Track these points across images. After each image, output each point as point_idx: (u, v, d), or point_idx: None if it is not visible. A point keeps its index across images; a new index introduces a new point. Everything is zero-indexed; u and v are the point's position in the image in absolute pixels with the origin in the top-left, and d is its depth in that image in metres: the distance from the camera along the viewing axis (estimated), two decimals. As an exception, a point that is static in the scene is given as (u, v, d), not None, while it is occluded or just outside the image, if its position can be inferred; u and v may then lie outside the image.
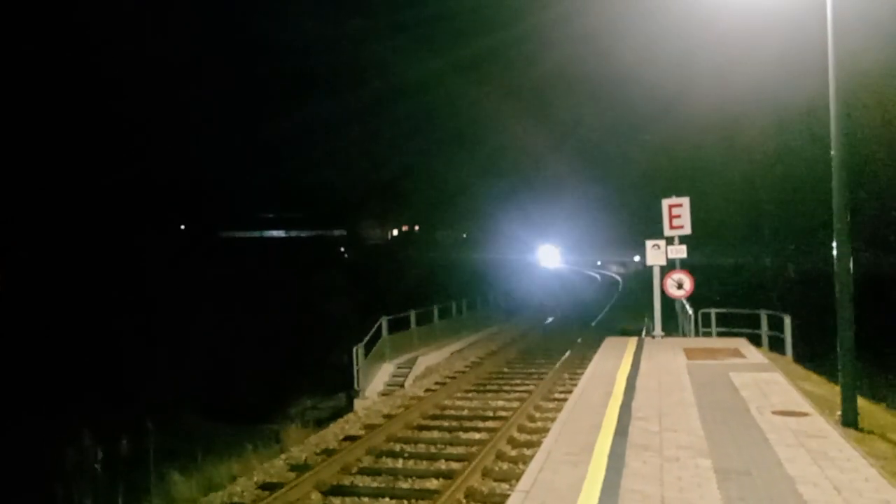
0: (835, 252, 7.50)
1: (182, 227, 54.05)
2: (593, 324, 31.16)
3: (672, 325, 20.06)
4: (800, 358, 14.62)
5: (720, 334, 16.50)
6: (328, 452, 10.31)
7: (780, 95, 20.91)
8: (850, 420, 7.46)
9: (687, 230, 15.11)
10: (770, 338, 15.47)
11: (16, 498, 9.43)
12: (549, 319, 34.02)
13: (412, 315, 19.13)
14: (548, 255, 71.50)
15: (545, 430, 8.94)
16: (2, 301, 35.48)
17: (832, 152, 7.57)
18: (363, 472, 9.51)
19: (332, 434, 11.64)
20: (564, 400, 10.55)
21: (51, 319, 27.56)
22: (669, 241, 15.24)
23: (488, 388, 15.11)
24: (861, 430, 7.36)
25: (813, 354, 15.52)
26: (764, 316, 15.81)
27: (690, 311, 18.09)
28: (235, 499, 8.57)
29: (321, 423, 13.38)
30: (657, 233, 15.43)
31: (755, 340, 15.13)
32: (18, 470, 11.20)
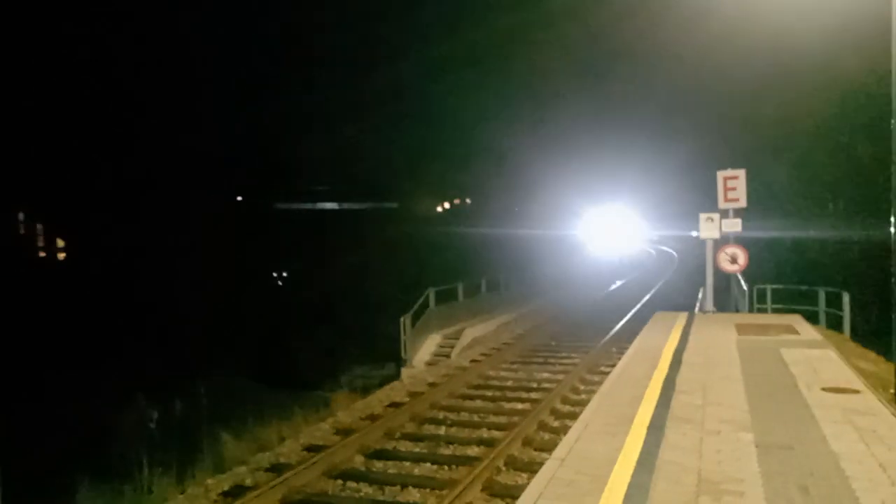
0: (892, 225, 7.21)
1: (239, 198, 55.23)
2: (647, 298, 30.72)
3: (726, 300, 19.65)
4: (859, 336, 14.17)
5: (776, 311, 16.10)
6: (372, 418, 10.53)
7: (842, 64, 19.98)
8: (903, 398, 7.22)
9: (742, 203, 14.71)
10: (829, 315, 15.03)
11: (75, 454, 9.94)
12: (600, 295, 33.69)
13: (460, 287, 19.22)
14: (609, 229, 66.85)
15: (588, 402, 8.93)
16: (69, 266, 37.12)
17: (893, 121, 7.25)
18: (406, 437, 9.68)
19: (377, 400, 11.87)
20: (609, 373, 10.50)
21: (114, 286, 28.69)
22: (724, 214, 14.88)
23: (533, 360, 15.13)
24: (915, 409, 7.11)
25: (873, 332, 15.01)
26: (822, 292, 15.34)
27: (745, 287, 17.67)
28: (282, 459, 8.84)
29: (369, 391, 13.64)
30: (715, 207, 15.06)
31: (813, 318, 14.72)
32: (77, 428, 11.77)
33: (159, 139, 42.05)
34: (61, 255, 48.55)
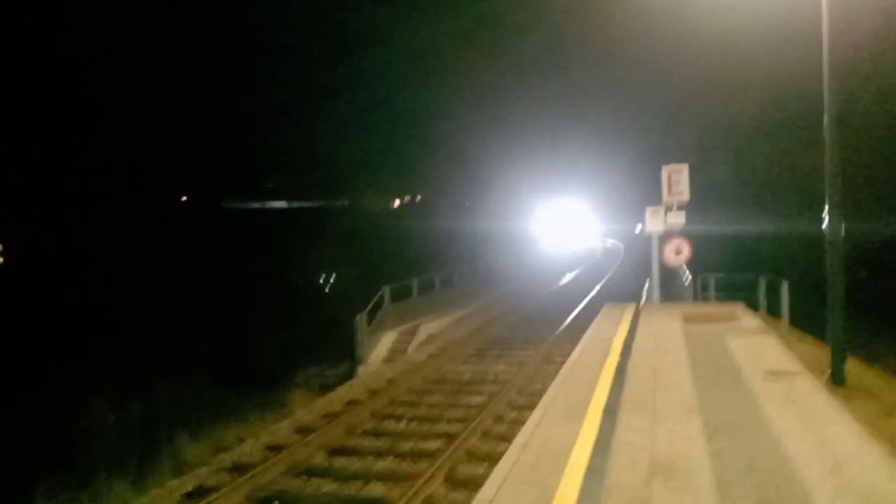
0: (825, 214, 7.66)
1: (184, 198, 54.11)
2: (597, 289, 31.39)
3: (672, 290, 20.29)
4: (799, 322, 14.83)
5: (720, 300, 16.71)
6: (332, 415, 10.60)
7: (775, 69, 20.92)
8: (838, 380, 7.69)
9: (686, 197, 15.22)
10: (769, 303, 15.66)
11: (29, 462, 9.72)
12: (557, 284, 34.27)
13: (414, 284, 19.36)
14: (560, 222, 67.26)
15: (545, 392, 9.19)
16: (3, 273, 35.85)
17: (825, 120, 7.69)
18: (367, 433, 9.79)
19: (336, 398, 11.93)
20: (563, 363, 10.79)
21: (54, 289, 27.88)
22: (668, 207, 15.38)
23: (489, 353, 15.38)
24: (849, 389, 7.59)
25: (811, 319, 15.72)
26: (762, 281, 15.98)
27: (689, 277, 18.30)
28: (244, 459, 8.85)
29: (327, 389, 13.66)
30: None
31: (755, 306, 15.34)
32: (31, 435, 11.49)
33: (108, 137, 40.93)
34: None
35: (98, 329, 23.33)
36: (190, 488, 8.00)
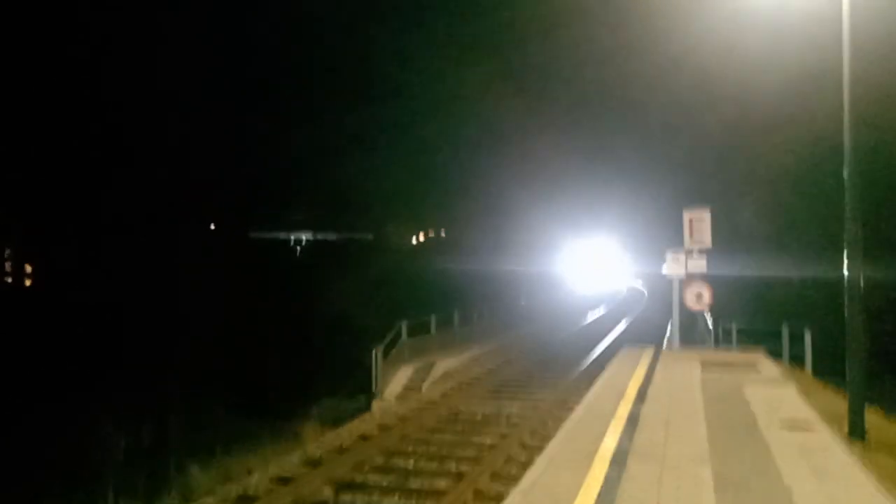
0: (845, 262, 7.56)
1: (212, 226, 54.97)
2: (618, 332, 31.07)
3: (693, 336, 20.00)
4: (821, 373, 14.51)
5: (742, 347, 16.45)
6: (341, 450, 10.55)
7: (799, 115, 20.88)
8: (857, 433, 7.49)
9: (707, 243, 15.12)
10: (793, 352, 15.38)
11: (40, 483, 9.79)
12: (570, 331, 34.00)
13: (433, 319, 19.35)
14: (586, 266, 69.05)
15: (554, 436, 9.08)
16: (33, 294, 36.54)
17: (846, 162, 7.65)
18: (375, 469, 9.73)
19: (347, 432, 11.88)
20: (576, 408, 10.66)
21: (78, 313, 28.31)
22: (690, 253, 15.27)
23: (503, 393, 15.24)
24: (868, 444, 7.38)
25: (837, 369, 15.37)
26: (785, 330, 15.73)
27: (710, 324, 18.05)
28: (250, 491, 8.83)
29: (340, 423, 13.62)
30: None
31: (778, 354, 15.07)
32: (41, 460, 11.56)
33: (135, 166, 41.88)
34: (28, 282, 47.74)
35: (117, 352, 23.59)
36: (195, 518, 8.00)
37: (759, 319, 20.22)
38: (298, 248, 57.57)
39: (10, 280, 46.82)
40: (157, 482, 9.46)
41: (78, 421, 13.21)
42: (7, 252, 46.69)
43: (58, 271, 38.74)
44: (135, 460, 10.07)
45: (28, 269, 47.53)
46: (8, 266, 47.42)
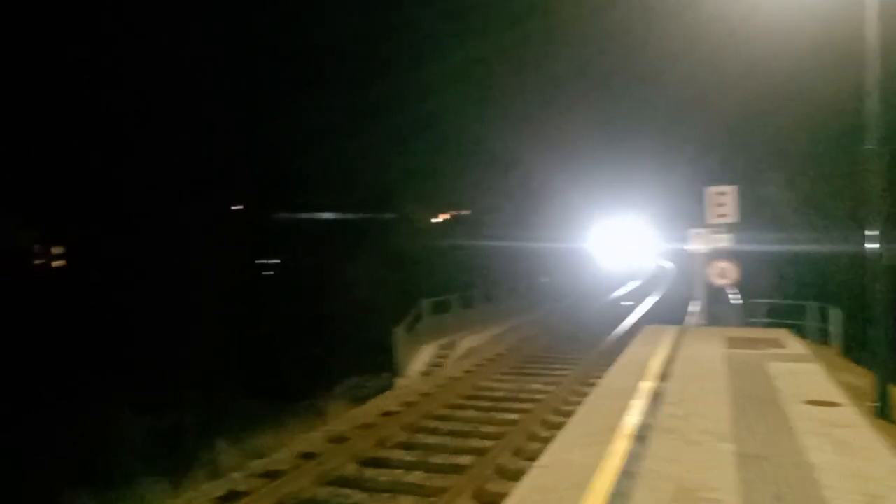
0: (866, 238, 7.45)
1: (238, 207, 55.31)
2: (644, 309, 30.88)
3: (719, 313, 19.82)
4: (851, 350, 14.33)
5: (767, 325, 16.29)
6: (366, 426, 10.69)
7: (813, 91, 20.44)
8: (882, 411, 7.42)
9: (733, 218, 14.95)
10: (822, 329, 15.20)
11: (62, 469, 10.04)
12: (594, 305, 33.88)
13: (454, 298, 19.43)
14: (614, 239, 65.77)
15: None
16: (65, 275, 37.21)
17: (867, 137, 7.50)
18: (398, 445, 9.84)
19: (370, 409, 12.02)
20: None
21: (109, 295, 28.80)
22: (714, 229, 15.12)
23: (526, 370, 15.29)
24: (893, 422, 7.31)
25: (865, 347, 15.14)
26: (810, 307, 15.54)
27: (736, 300, 17.87)
28: (276, 466, 8.99)
29: (364, 400, 13.78)
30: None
31: (807, 332, 14.92)
32: (70, 439, 11.84)
33: (162, 146, 42.29)
34: (57, 263, 48.57)
35: (139, 333, 23.97)
36: (222, 493, 8.17)
37: (785, 296, 19.97)
38: (318, 227, 57.81)
39: (39, 262, 47.72)
40: (185, 460, 9.67)
41: (103, 402, 13.50)
42: (36, 234, 47.54)
43: (84, 253, 39.39)
44: (165, 440, 10.28)
45: (57, 251, 48.38)
46: (37, 248, 48.31)
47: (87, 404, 14.54)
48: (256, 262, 35.38)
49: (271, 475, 8.59)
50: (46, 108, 39.66)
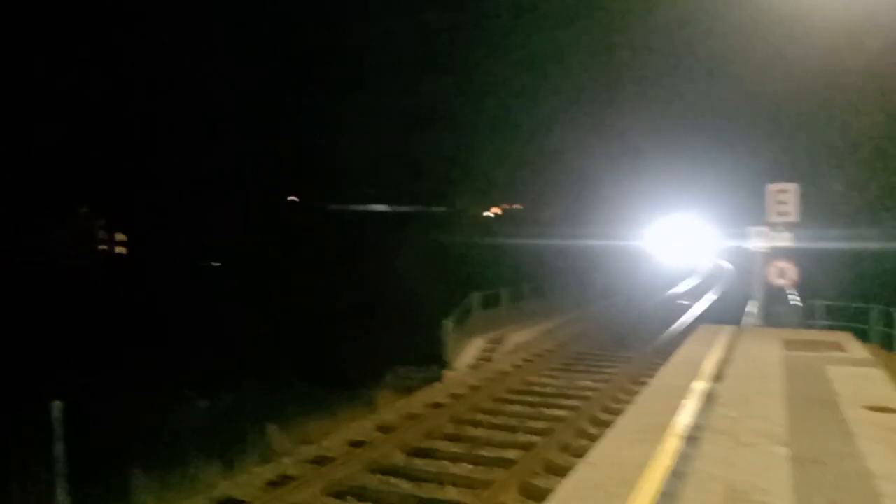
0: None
1: (291, 198, 56.44)
2: (698, 311, 30.24)
3: (777, 314, 19.25)
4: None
5: (828, 328, 15.78)
6: (414, 417, 10.79)
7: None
8: (949, 421, 7.09)
9: (794, 217, 14.50)
10: (887, 335, 14.65)
11: (120, 445, 10.41)
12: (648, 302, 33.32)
13: (504, 292, 19.40)
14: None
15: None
16: (128, 264, 38.59)
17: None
18: (445, 437, 9.91)
19: (419, 400, 12.12)
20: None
21: (166, 282, 29.74)
22: (775, 228, 14.70)
23: (575, 367, 15.18)
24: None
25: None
26: (874, 310, 14.98)
27: (796, 301, 17.35)
28: (326, 453, 9.17)
29: (412, 391, 13.91)
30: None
31: (867, 337, 14.40)
32: (127, 420, 12.26)
33: (223, 139, 43.51)
34: (119, 250, 50.37)
35: (196, 318, 24.66)
36: (273, 476, 8.38)
37: (848, 298, 19.27)
38: (374, 220, 58.41)
39: (104, 248, 49.63)
40: (239, 443, 9.93)
41: (158, 386, 13.93)
42: (101, 222, 49.44)
43: (146, 240, 40.80)
44: (215, 421, 10.57)
45: (120, 237, 50.23)
46: (102, 234, 50.25)
47: (149, 382, 15.06)
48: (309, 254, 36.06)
49: (321, 461, 8.76)
50: (118, 106, 41.22)
